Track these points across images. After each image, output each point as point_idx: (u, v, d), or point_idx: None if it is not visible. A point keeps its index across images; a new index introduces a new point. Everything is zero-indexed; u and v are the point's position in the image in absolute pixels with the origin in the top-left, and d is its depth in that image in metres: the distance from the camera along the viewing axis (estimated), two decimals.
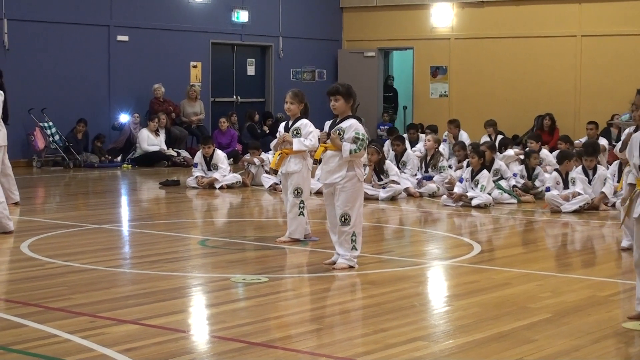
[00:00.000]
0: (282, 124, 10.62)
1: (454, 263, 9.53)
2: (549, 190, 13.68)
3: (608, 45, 22.29)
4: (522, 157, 16.05)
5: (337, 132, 8.86)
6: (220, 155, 16.58)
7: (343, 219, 8.87)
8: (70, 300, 7.48)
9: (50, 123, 19.84)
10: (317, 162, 9.33)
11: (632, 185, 7.05)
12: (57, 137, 19.84)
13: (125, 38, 21.50)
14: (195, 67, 23.00)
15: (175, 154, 21.01)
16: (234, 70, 24.21)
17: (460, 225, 12.72)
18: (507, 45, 23.53)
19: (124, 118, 21.21)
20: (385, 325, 6.78)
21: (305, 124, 10.31)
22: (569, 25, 22.72)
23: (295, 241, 10.38)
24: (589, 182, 13.76)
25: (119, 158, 20.73)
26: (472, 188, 14.11)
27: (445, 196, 14.53)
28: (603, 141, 17.81)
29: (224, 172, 16.41)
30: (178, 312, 7.31)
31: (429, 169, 15.90)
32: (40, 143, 19.76)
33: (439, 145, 16.73)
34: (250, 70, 24.59)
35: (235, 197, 15.42)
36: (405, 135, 18.91)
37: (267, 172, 16.42)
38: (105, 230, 11.58)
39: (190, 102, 22.44)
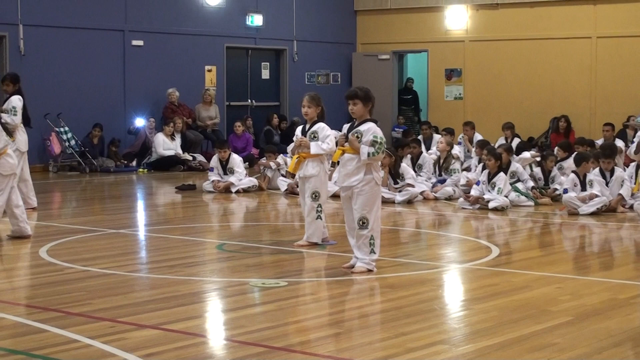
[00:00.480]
0: (299, 128, 10.61)
1: (472, 266, 9.50)
2: (567, 192, 13.64)
3: (623, 47, 22.22)
4: (538, 159, 16.00)
5: (355, 135, 8.86)
6: (236, 159, 16.59)
7: (361, 222, 8.86)
8: (90, 305, 7.49)
9: (66, 128, 19.89)
10: (335, 164, 9.33)
11: None
12: (72, 142, 19.89)
13: (140, 43, 21.55)
14: (210, 71, 23.03)
15: (190, 158, 21.03)
16: (249, 74, 24.24)
17: (477, 228, 12.69)
18: (522, 47, 23.48)
19: (139, 122, 21.26)
20: (405, 329, 6.77)
21: (322, 127, 10.31)
22: (583, 26, 22.66)
23: (313, 245, 10.38)
24: (607, 184, 13.72)
25: (134, 162, 20.77)
26: (489, 190, 14.08)
27: (462, 199, 14.51)
28: (619, 143, 17.74)
29: (240, 176, 16.42)
30: (197, 317, 7.32)
31: (442, 173, 15.88)
32: (56, 148, 19.82)
33: (452, 147, 16.70)
34: (265, 74, 24.61)
35: (251, 201, 15.43)
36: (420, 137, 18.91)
37: (283, 175, 16.44)
38: (123, 235, 11.60)
39: (205, 106, 22.48)
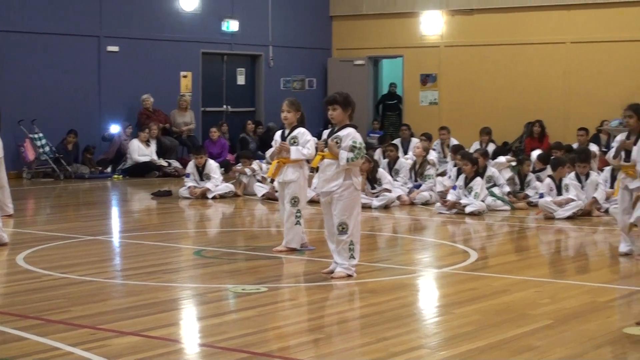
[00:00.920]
0: (279, 133, 10.59)
1: (451, 270, 9.53)
2: (543, 197, 13.71)
3: (597, 52, 22.36)
4: (514, 164, 16.07)
5: (335, 140, 8.87)
6: (212, 165, 16.56)
7: (341, 227, 8.87)
8: (70, 312, 7.45)
9: (41, 134, 19.78)
10: (314, 170, 9.33)
11: None
12: (47, 149, 19.78)
13: (116, 48, 21.47)
14: (185, 76, 22.98)
15: (166, 164, 20.96)
16: (224, 80, 24.20)
17: (454, 232, 12.73)
18: (497, 53, 23.58)
19: (114, 129, 21.18)
20: (387, 334, 6.78)
21: (302, 132, 10.31)
22: (557, 32, 22.78)
23: (292, 250, 10.38)
24: (582, 188, 13.81)
25: (109, 169, 20.68)
26: (466, 195, 14.13)
27: (439, 204, 14.55)
28: (593, 147, 17.87)
29: (217, 182, 16.39)
30: (178, 323, 7.31)
31: (417, 179, 15.92)
32: (31, 154, 19.71)
33: (428, 152, 16.75)
34: (241, 80, 24.59)
35: (228, 206, 15.40)
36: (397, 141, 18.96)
37: (259, 181, 16.42)
38: (101, 242, 11.55)
39: (181, 112, 22.42)
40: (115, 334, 6.76)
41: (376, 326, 7.05)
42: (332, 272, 8.97)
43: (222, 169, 18.31)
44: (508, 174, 15.61)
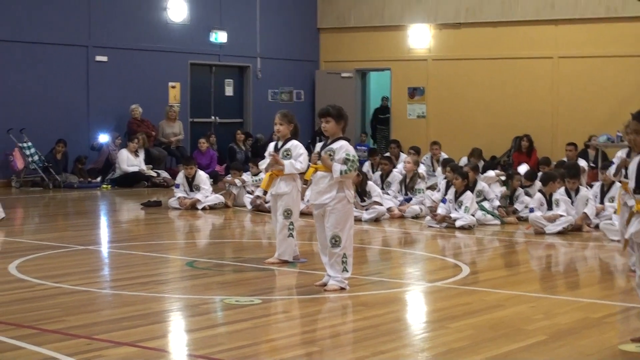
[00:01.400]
0: (272, 144, 10.59)
1: (444, 284, 9.54)
2: (533, 211, 13.75)
3: (584, 67, 22.48)
4: (503, 178, 16.11)
5: (328, 152, 8.88)
6: (202, 176, 16.56)
7: (333, 240, 8.88)
8: (65, 322, 7.43)
9: (30, 143, 19.74)
10: (307, 182, 9.34)
11: None
12: (36, 158, 19.75)
13: (104, 58, 21.46)
14: (173, 87, 22.98)
15: (155, 174, 20.93)
16: (212, 91, 24.21)
17: (445, 246, 12.75)
18: (485, 67, 23.67)
19: (103, 138, 21.15)
20: (382, 348, 6.79)
21: (295, 145, 10.31)
22: (545, 46, 22.89)
23: (284, 262, 10.37)
24: (572, 203, 13.85)
25: (98, 179, 20.65)
26: (456, 209, 14.16)
27: (429, 217, 14.57)
28: (582, 162, 17.92)
29: (206, 192, 16.39)
30: (173, 335, 7.29)
31: (408, 192, 15.94)
32: (19, 163, 19.67)
33: (418, 166, 16.79)
34: (229, 91, 24.60)
35: (217, 217, 15.39)
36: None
37: (249, 192, 16.42)
38: (92, 252, 11.54)
39: (169, 122, 22.41)
40: (111, 344, 6.74)
41: (371, 340, 7.05)
42: (324, 284, 8.97)
43: (211, 180, 18.32)
44: (499, 188, 15.64)
